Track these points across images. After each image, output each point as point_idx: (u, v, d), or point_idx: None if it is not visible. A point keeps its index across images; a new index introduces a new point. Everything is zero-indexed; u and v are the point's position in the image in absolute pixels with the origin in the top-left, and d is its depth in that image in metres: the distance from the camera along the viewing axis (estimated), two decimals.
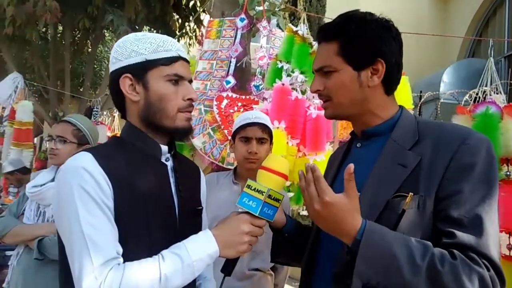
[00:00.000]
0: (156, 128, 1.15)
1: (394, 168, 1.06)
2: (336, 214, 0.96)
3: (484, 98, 2.43)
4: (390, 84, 1.14)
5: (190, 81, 1.19)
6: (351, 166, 0.95)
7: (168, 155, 1.21)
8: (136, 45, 1.13)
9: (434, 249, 0.94)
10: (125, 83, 1.13)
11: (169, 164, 1.21)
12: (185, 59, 1.17)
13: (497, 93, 2.51)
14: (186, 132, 1.18)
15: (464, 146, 1.01)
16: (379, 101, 1.14)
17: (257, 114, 2.10)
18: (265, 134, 2.02)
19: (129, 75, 1.13)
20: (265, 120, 2.08)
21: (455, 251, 0.94)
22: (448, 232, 0.96)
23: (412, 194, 1.00)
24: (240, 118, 2.10)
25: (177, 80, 1.14)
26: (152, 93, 1.12)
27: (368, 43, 1.09)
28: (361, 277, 0.93)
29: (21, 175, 4.88)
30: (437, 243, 0.96)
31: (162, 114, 1.13)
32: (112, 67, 1.17)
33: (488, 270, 0.93)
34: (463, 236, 0.94)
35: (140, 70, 1.12)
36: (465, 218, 0.96)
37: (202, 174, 1.39)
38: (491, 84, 2.52)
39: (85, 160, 1.05)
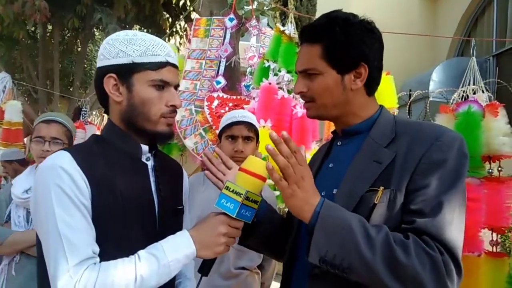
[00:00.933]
0: (136, 130, 1.15)
1: (370, 165, 1.08)
2: (310, 181, 1.02)
3: (467, 97, 2.47)
4: (371, 86, 1.17)
5: (177, 86, 1.18)
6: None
7: (149, 154, 1.21)
8: (125, 46, 1.11)
9: (388, 230, 0.97)
10: (109, 83, 1.13)
11: (150, 163, 1.21)
12: (173, 65, 1.16)
13: (483, 91, 2.56)
14: (167, 137, 1.18)
15: (437, 143, 1.04)
16: (361, 103, 1.17)
17: (243, 113, 2.11)
18: (251, 133, 2.03)
19: (114, 75, 1.12)
20: (251, 119, 2.09)
21: (409, 233, 0.97)
22: (408, 220, 1.00)
23: (383, 188, 1.03)
24: (226, 117, 2.11)
25: (162, 85, 1.13)
26: (136, 96, 1.12)
27: (352, 48, 1.11)
28: (318, 248, 0.97)
29: (19, 165, 4.85)
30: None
31: (144, 117, 1.13)
32: (99, 63, 1.16)
33: (442, 254, 0.95)
34: (420, 222, 0.98)
35: (125, 72, 1.11)
36: (426, 208, 0.99)
37: (184, 173, 1.39)
38: (474, 84, 2.56)
39: (63, 159, 1.05)
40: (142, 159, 1.19)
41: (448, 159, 1.02)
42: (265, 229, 1.26)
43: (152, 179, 1.20)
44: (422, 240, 0.96)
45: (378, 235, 0.95)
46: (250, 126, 2.04)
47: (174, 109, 1.16)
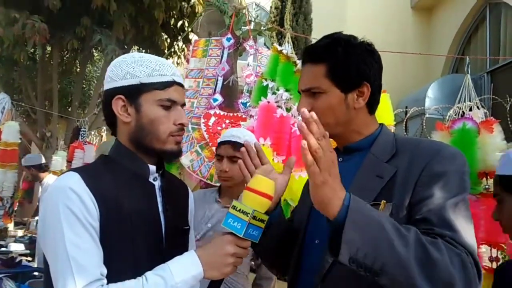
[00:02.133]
0: (145, 149, 1.17)
1: (372, 180, 1.10)
2: (338, 170, 0.95)
3: (463, 113, 2.50)
4: (373, 105, 1.20)
5: (183, 105, 1.21)
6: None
7: (156, 174, 1.22)
8: (132, 67, 1.14)
9: (416, 228, 0.95)
10: (118, 104, 1.15)
11: (157, 183, 1.21)
12: (179, 84, 1.18)
13: (478, 108, 2.59)
14: (175, 155, 1.20)
15: (438, 156, 1.06)
16: (363, 121, 1.19)
17: (234, 132, 2.09)
18: (237, 152, 1.94)
19: (122, 96, 1.14)
20: (240, 138, 2.03)
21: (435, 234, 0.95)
22: (423, 228, 0.97)
23: (385, 201, 1.04)
24: (221, 136, 2.14)
25: (169, 104, 1.15)
26: (144, 116, 1.14)
27: (355, 67, 1.14)
28: (350, 245, 0.90)
29: (36, 171, 4.99)
30: None
31: (152, 137, 1.14)
32: (106, 86, 1.18)
33: (467, 254, 0.93)
34: (438, 230, 0.96)
35: (133, 93, 1.13)
36: (438, 220, 0.98)
37: (190, 193, 1.40)
38: (469, 100, 2.60)
39: (72, 180, 1.05)
40: (149, 179, 1.20)
41: (449, 171, 1.03)
42: (276, 235, 1.23)
43: (159, 199, 1.20)
44: (447, 241, 0.94)
45: (409, 233, 0.92)
46: (235, 146, 2.00)
47: (182, 127, 1.18)
